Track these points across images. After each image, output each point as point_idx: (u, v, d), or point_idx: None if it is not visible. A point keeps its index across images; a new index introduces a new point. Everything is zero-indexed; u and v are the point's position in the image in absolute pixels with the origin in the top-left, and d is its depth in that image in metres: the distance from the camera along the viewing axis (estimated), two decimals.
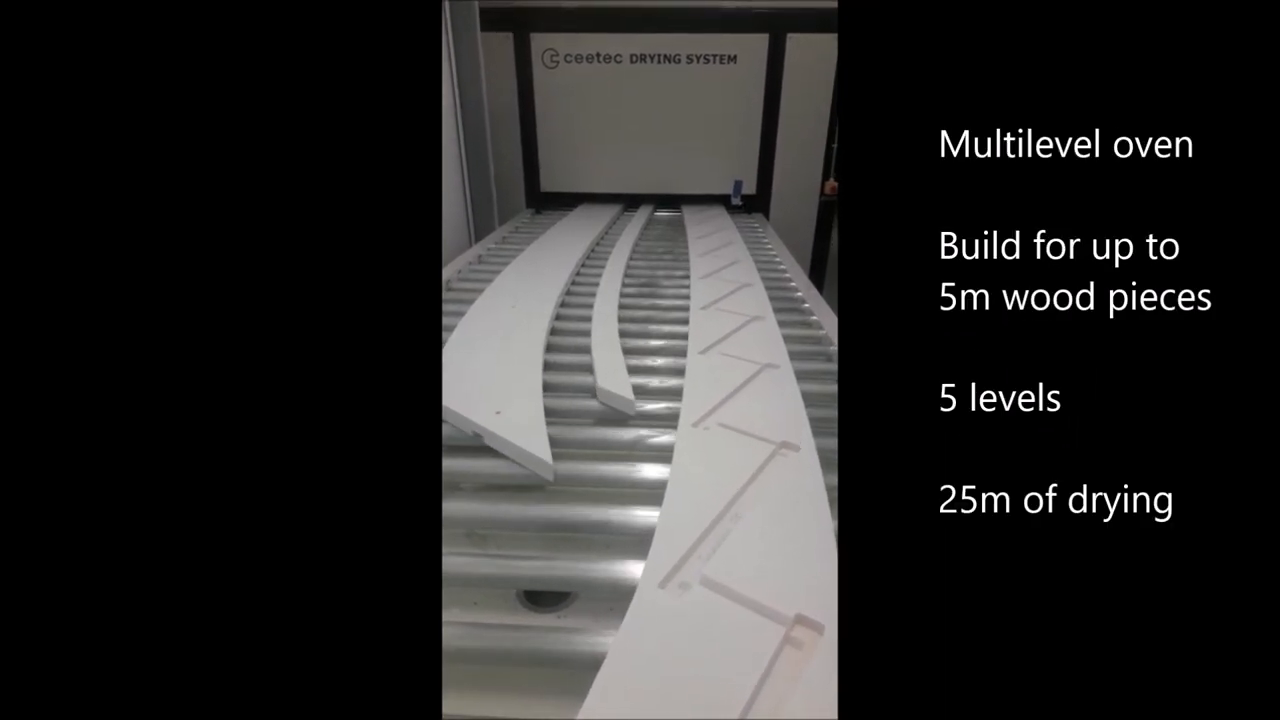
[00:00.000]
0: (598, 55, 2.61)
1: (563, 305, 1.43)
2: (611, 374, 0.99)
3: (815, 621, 0.49)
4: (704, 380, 0.97)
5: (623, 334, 1.22)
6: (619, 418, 0.93)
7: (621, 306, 1.39)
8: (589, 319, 1.29)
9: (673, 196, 2.82)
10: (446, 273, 1.68)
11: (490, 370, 1.02)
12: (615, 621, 0.62)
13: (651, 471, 0.79)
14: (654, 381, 1.03)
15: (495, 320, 1.26)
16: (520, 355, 1.07)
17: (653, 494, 0.74)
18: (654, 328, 1.30)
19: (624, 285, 1.54)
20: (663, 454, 0.80)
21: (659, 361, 1.11)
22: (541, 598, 0.66)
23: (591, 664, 0.53)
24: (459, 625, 0.56)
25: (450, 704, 0.52)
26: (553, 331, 1.26)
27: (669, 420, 0.89)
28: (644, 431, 0.88)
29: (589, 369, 1.06)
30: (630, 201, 2.80)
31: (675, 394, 0.96)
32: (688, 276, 1.58)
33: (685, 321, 1.27)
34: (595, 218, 2.44)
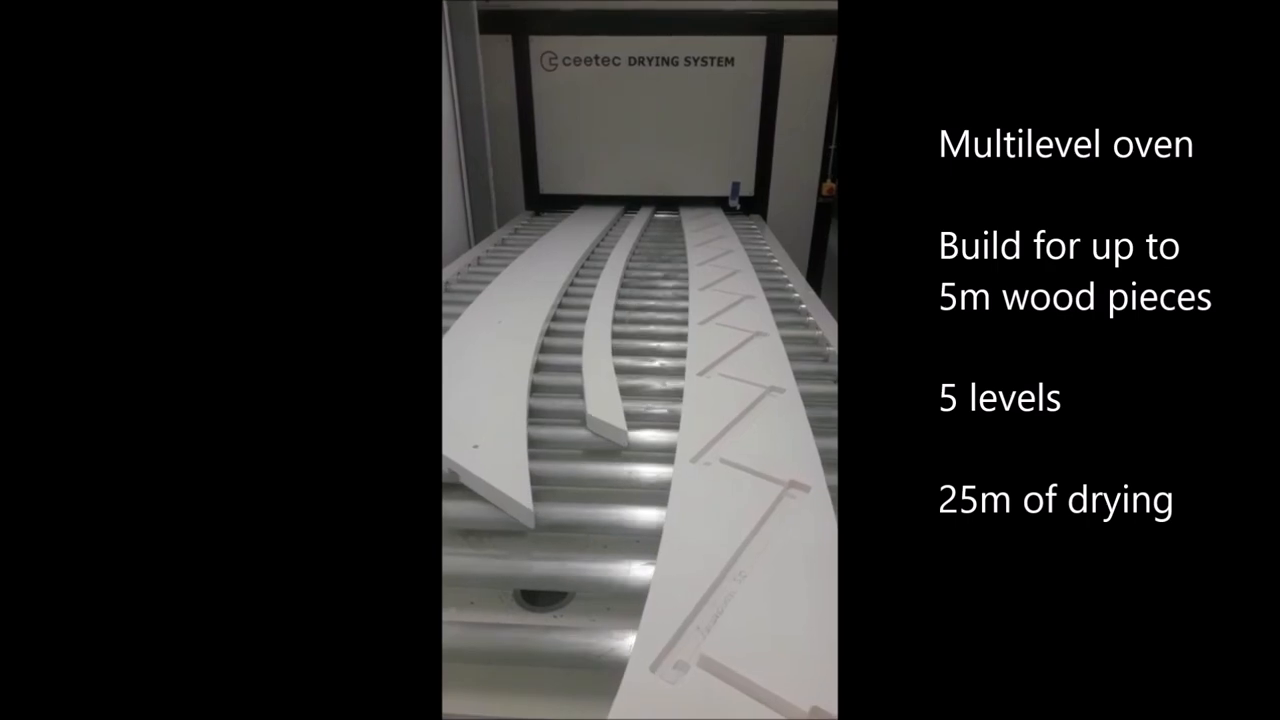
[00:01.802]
0: (596, 58, 2.62)
1: (560, 306, 1.43)
2: (603, 401, 0.91)
3: (833, 718, 0.42)
4: (703, 406, 0.88)
5: (616, 338, 1.20)
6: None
7: (618, 307, 1.37)
8: (583, 319, 1.28)
9: (671, 199, 2.82)
10: (445, 274, 1.68)
11: (471, 394, 0.93)
12: (612, 621, 0.62)
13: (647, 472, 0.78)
14: (650, 385, 1.01)
15: (483, 335, 1.18)
16: (505, 379, 0.98)
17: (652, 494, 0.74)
18: (651, 336, 1.26)
19: (621, 290, 1.51)
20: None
21: (656, 378, 1.06)
22: (538, 597, 0.66)
23: (588, 663, 0.53)
24: (456, 625, 0.56)
25: (448, 703, 0.52)
26: (548, 332, 1.26)
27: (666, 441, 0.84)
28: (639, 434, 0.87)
29: (579, 369, 1.05)
30: (630, 204, 2.80)
31: (673, 402, 0.93)
32: (686, 287, 1.51)
33: (684, 317, 1.25)
34: (594, 220, 2.43)
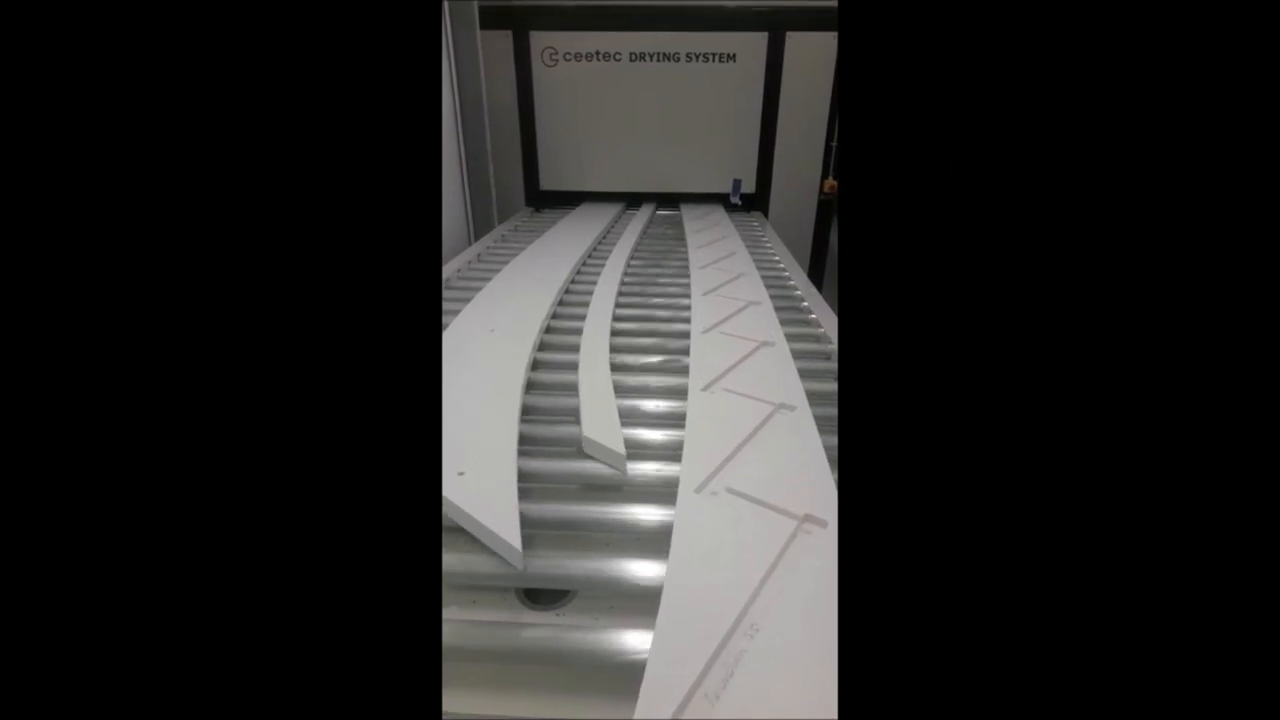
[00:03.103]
0: (597, 54, 2.62)
1: (560, 303, 1.43)
2: (600, 422, 0.85)
3: None
4: (707, 426, 0.83)
5: (615, 336, 1.19)
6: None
7: (616, 316, 1.34)
8: (582, 317, 1.27)
9: (672, 195, 2.82)
10: (446, 270, 1.68)
11: (459, 408, 0.87)
12: (614, 620, 0.62)
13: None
14: (650, 399, 0.98)
15: (476, 341, 1.12)
16: (496, 394, 0.92)
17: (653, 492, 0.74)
18: (652, 334, 1.23)
19: (619, 298, 1.46)
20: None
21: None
22: (540, 595, 0.66)
23: (590, 662, 0.53)
24: (458, 623, 0.57)
25: (450, 702, 0.52)
26: (546, 329, 1.26)
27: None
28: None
29: (575, 367, 1.04)
30: (631, 200, 2.80)
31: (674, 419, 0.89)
32: (688, 294, 1.45)
33: (686, 313, 1.24)
34: (595, 218, 2.43)
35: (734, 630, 0.51)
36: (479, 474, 0.71)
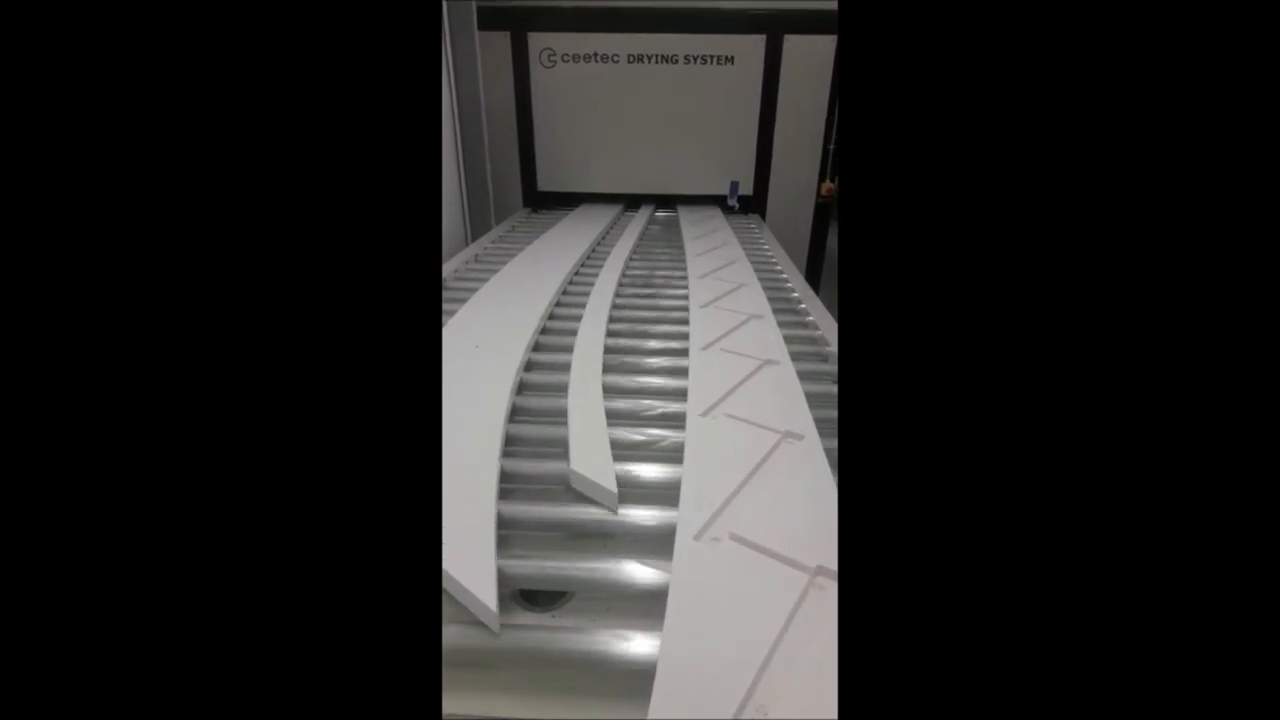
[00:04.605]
0: (595, 55, 2.62)
1: (556, 304, 1.42)
2: (589, 455, 0.78)
3: None
4: (707, 459, 0.75)
5: (609, 350, 1.15)
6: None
7: (612, 317, 1.31)
8: (575, 326, 1.25)
9: (669, 197, 2.82)
10: (443, 271, 1.68)
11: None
12: (611, 621, 0.62)
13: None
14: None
15: (462, 355, 1.06)
16: (476, 428, 0.83)
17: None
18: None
19: (615, 301, 1.43)
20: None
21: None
22: (537, 597, 0.66)
23: (586, 664, 0.53)
24: (455, 624, 0.56)
25: (446, 703, 0.52)
26: (541, 330, 1.26)
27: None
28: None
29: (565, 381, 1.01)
30: (629, 202, 2.80)
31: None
32: (687, 305, 1.38)
33: (685, 333, 1.20)
34: (592, 220, 2.41)
35: (741, 711, 0.45)
36: (452, 520, 0.64)
